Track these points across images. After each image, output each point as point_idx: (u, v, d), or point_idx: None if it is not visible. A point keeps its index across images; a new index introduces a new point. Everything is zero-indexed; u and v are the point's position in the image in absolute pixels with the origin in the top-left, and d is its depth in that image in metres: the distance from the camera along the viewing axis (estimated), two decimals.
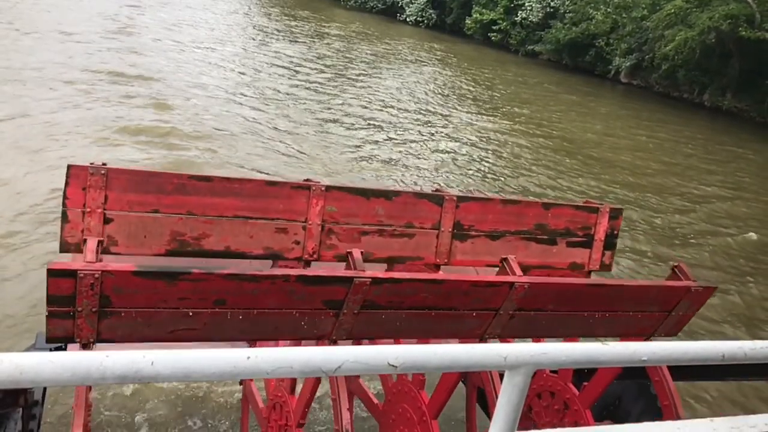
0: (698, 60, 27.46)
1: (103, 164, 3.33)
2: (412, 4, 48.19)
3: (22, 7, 24.71)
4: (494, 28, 40.29)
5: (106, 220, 3.32)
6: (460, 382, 3.99)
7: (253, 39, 29.07)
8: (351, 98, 19.48)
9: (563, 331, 3.87)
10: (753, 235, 12.27)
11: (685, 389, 6.09)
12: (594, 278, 4.33)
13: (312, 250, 3.75)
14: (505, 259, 3.71)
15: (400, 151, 14.61)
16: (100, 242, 3.21)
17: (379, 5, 51.17)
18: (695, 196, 14.76)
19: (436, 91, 23.12)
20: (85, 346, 2.88)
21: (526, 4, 38.56)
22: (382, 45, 33.56)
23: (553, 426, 4.31)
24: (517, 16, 38.92)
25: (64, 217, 3.28)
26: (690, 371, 3.84)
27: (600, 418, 4.34)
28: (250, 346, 3.63)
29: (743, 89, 27.12)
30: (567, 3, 36.41)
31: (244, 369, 1.36)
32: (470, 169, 14.13)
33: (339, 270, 3.36)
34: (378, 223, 3.90)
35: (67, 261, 3.20)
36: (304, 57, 25.16)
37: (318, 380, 3.39)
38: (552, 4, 37.41)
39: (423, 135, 16.54)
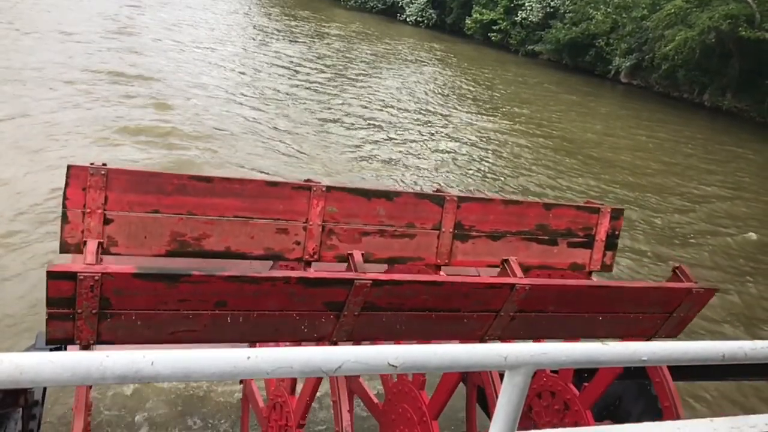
0: (698, 60, 27.46)
1: (103, 164, 3.32)
2: (412, 4, 48.18)
3: (22, 7, 24.71)
4: (494, 28, 40.28)
5: (106, 221, 3.32)
6: (461, 383, 3.99)
7: (253, 39, 29.07)
8: (351, 98, 19.48)
9: (564, 332, 3.86)
10: (753, 235, 12.27)
11: (685, 389, 6.08)
12: (595, 280, 4.33)
13: (312, 250, 3.75)
14: (506, 261, 3.70)
15: (400, 151, 14.61)
16: (100, 244, 3.21)
17: (379, 5, 51.16)
18: (695, 195, 14.76)
19: (436, 91, 23.12)
20: (85, 348, 2.88)
21: (526, 4, 38.55)
22: (382, 45, 33.55)
23: (553, 426, 4.31)
24: (517, 16, 38.92)
25: (64, 218, 3.28)
26: (690, 371, 3.84)
27: (600, 418, 4.34)
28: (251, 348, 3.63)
29: (743, 89, 27.12)
30: (567, 3, 36.40)
31: (244, 369, 1.36)
32: (470, 169, 14.13)
33: (340, 272, 3.36)
34: (379, 223, 3.90)
35: (67, 262, 3.20)
36: (304, 57, 25.16)
37: (318, 381, 3.39)
38: (552, 4, 37.41)
39: (423, 135, 16.54)
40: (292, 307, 3.16)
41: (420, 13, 47.72)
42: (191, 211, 3.46)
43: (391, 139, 15.64)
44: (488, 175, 14.01)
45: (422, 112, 19.34)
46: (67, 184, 3.27)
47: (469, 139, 16.73)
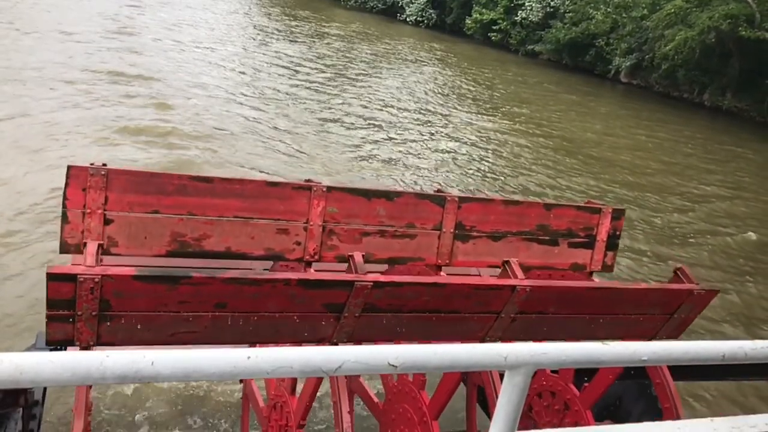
0: (698, 60, 27.46)
1: (103, 165, 3.32)
2: (412, 4, 48.18)
3: (22, 7, 24.70)
4: (494, 27, 40.27)
5: (107, 221, 3.31)
6: (461, 383, 3.98)
7: (253, 39, 29.07)
8: (351, 98, 19.48)
9: (564, 334, 3.86)
10: (752, 235, 12.27)
11: (685, 389, 6.08)
12: (596, 281, 4.32)
13: (313, 250, 3.74)
14: (507, 262, 3.70)
15: (400, 151, 14.61)
16: (100, 245, 3.21)
17: (379, 5, 51.16)
18: (695, 195, 14.76)
19: (436, 91, 23.12)
20: (85, 350, 2.88)
21: (526, 3, 38.54)
22: (382, 45, 33.55)
23: (554, 426, 4.31)
24: (517, 16, 38.91)
25: (64, 218, 3.28)
26: (690, 371, 3.83)
27: (600, 418, 4.34)
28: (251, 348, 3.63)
29: (743, 89, 27.11)
30: (567, 3, 36.39)
31: (245, 369, 1.36)
32: (470, 169, 14.13)
33: (340, 274, 3.36)
34: (379, 223, 3.89)
35: (68, 264, 3.20)
36: (304, 57, 25.15)
37: (319, 382, 3.39)
38: (552, 3, 37.40)
39: (423, 134, 16.54)
40: (292, 309, 3.15)
41: (420, 13, 47.72)
42: (191, 211, 3.46)
43: (391, 138, 15.64)
44: (488, 174, 14.01)
45: (422, 111, 19.34)
46: (67, 185, 3.27)
47: (469, 139, 16.73)
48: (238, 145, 12.92)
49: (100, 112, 13.36)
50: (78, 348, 2.90)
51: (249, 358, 1.35)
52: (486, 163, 14.83)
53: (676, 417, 3.77)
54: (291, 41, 29.13)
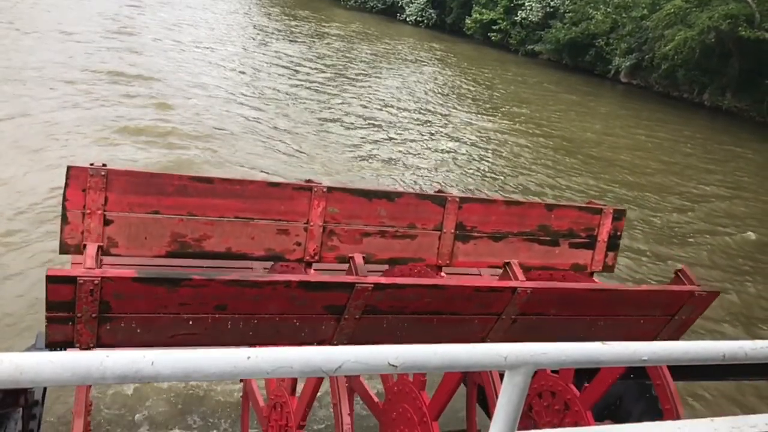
0: (698, 60, 27.45)
1: (103, 165, 3.31)
2: (412, 3, 48.17)
3: (22, 7, 24.70)
4: (494, 27, 40.27)
5: (106, 222, 3.31)
6: (461, 384, 3.98)
7: (253, 39, 29.06)
8: (351, 98, 19.48)
9: (565, 335, 3.86)
10: (752, 235, 12.27)
11: (685, 389, 6.08)
12: (597, 283, 4.32)
13: (313, 251, 3.74)
14: (508, 264, 3.70)
15: (399, 151, 14.61)
16: (99, 247, 3.21)
17: (379, 5, 51.15)
18: (694, 195, 14.76)
19: (435, 91, 23.12)
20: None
21: (526, 3, 38.54)
22: (382, 45, 33.55)
23: (554, 426, 4.30)
24: (517, 16, 38.90)
25: (64, 219, 3.27)
26: (690, 371, 3.83)
27: (601, 418, 4.33)
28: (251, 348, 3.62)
29: (743, 89, 27.11)
30: (567, 3, 36.38)
31: (244, 369, 1.36)
32: (470, 169, 14.13)
33: (340, 276, 3.36)
34: (380, 224, 3.89)
35: (67, 266, 3.20)
36: (304, 57, 25.15)
37: (319, 383, 3.38)
38: (552, 3, 37.39)
39: (423, 134, 16.54)
40: (292, 311, 3.15)
41: (420, 13, 47.71)
42: (192, 212, 3.45)
43: (390, 138, 15.64)
44: (488, 174, 14.01)
45: (422, 111, 19.34)
46: (66, 185, 3.26)
47: (469, 139, 16.73)
48: (238, 145, 12.92)
49: (100, 112, 13.36)
50: (78, 349, 2.90)
51: (249, 358, 1.35)
52: (486, 163, 14.83)
53: (677, 417, 3.77)
54: (291, 41, 29.13)
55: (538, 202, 5.10)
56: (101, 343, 2.91)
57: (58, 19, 23.44)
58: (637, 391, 4.40)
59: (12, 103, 12.79)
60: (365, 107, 18.57)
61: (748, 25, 25.15)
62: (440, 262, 4.05)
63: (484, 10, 41.22)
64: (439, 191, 4.25)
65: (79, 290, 2.73)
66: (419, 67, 28.34)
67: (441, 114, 19.38)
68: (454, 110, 20.23)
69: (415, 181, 12.62)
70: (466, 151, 15.50)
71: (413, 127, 17.11)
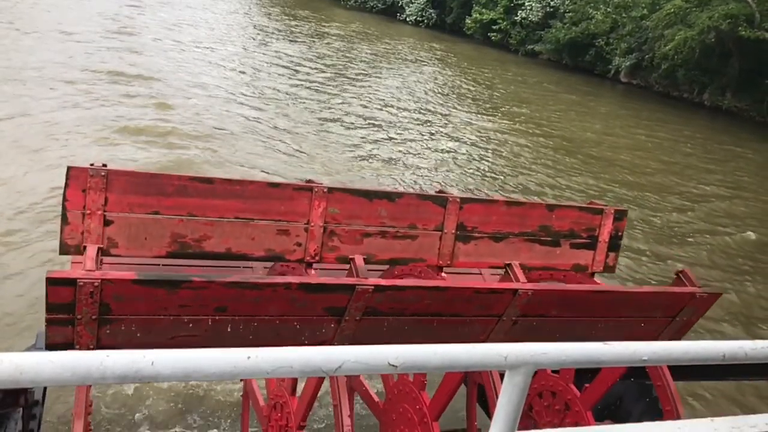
0: (698, 59, 27.45)
1: (104, 165, 3.31)
2: (412, 3, 48.17)
3: (22, 7, 24.70)
4: (494, 27, 40.27)
5: (107, 222, 3.31)
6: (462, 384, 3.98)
7: (253, 39, 29.06)
8: (351, 97, 19.48)
9: (566, 337, 3.86)
10: (751, 235, 12.27)
11: (685, 389, 6.08)
12: (597, 285, 4.31)
13: (314, 251, 3.73)
14: (509, 265, 3.70)
15: (399, 151, 14.61)
16: (99, 249, 3.20)
17: (379, 5, 51.15)
18: (694, 195, 14.76)
19: (435, 91, 23.12)
20: None
21: (526, 3, 38.54)
22: (382, 45, 33.55)
23: (554, 426, 4.30)
24: (517, 16, 38.91)
25: (64, 219, 3.27)
26: (690, 371, 3.83)
27: (601, 418, 4.33)
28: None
29: (743, 89, 27.11)
30: (567, 2, 36.38)
31: (245, 369, 1.36)
32: (470, 168, 14.13)
33: (341, 277, 3.35)
34: (380, 224, 3.88)
35: (67, 266, 3.20)
36: (304, 56, 25.15)
37: (319, 384, 3.38)
38: (552, 3, 37.39)
39: (423, 134, 16.54)
40: (293, 313, 3.14)
41: (420, 13, 47.71)
42: (192, 212, 3.45)
43: (390, 138, 15.64)
44: (488, 174, 14.01)
45: (422, 111, 19.34)
46: (66, 186, 3.26)
47: (469, 139, 16.73)
48: (238, 144, 12.92)
49: (100, 111, 13.36)
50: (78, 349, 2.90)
51: (249, 358, 1.35)
52: (486, 163, 14.82)
53: (677, 418, 3.77)
54: (291, 41, 29.13)
55: (539, 202, 5.10)
56: (101, 345, 2.91)
57: (58, 19, 23.44)
58: (638, 391, 4.40)
59: (12, 103, 12.79)
60: (365, 107, 18.57)
61: (748, 24, 25.15)
62: (441, 262, 4.05)
63: (484, 10, 41.22)
64: (440, 191, 4.24)
65: (79, 292, 2.73)
66: (419, 67, 28.33)
67: (441, 114, 19.38)
68: (454, 110, 20.23)
69: (415, 181, 12.62)
70: (466, 150, 15.51)
71: (413, 127, 17.11)
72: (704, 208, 13.77)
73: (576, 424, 4.13)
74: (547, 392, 4.46)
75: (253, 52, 25.10)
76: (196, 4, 37.35)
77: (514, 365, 1.61)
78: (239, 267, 3.96)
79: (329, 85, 20.68)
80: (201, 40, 25.37)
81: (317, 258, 3.75)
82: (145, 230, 3.38)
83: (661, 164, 17.26)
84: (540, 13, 37.82)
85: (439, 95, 22.42)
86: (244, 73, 20.77)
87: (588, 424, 4.09)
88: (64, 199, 3.26)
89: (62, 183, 3.28)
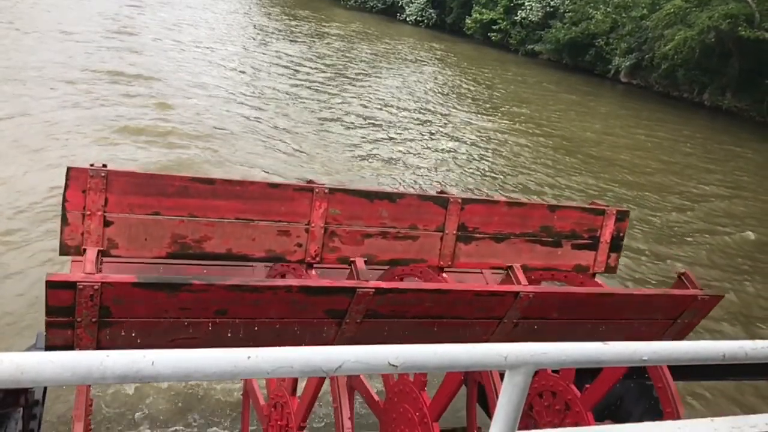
0: (698, 59, 27.46)
1: (104, 166, 3.30)
2: (412, 3, 48.17)
3: (22, 7, 24.70)
4: (494, 27, 40.28)
5: (107, 223, 3.30)
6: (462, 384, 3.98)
7: (253, 38, 29.06)
8: (351, 97, 19.47)
9: (567, 339, 3.85)
10: (751, 234, 12.27)
11: (685, 389, 6.08)
12: (599, 287, 4.31)
13: (315, 252, 3.72)
14: (510, 268, 3.69)
15: (399, 150, 14.60)
16: (99, 251, 3.20)
17: (379, 5, 51.15)
18: (694, 195, 14.76)
19: (435, 91, 23.11)
20: None
21: (526, 3, 38.54)
22: (382, 44, 33.54)
23: (554, 426, 4.30)
24: (517, 16, 38.91)
25: (64, 220, 3.26)
26: (690, 371, 3.83)
27: (601, 418, 4.33)
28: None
29: (743, 89, 27.11)
30: (567, 2, 36.38)
31: (245, 369, 1.36)
32: (470, 168, 14.13)
33: (342, 280, 3.34)
34: (381, 225, 3.87)
35: (67, 267, 3.19)
36: (304, 56, 25.14)
37: (320, 384, 3.38)
38: (552, 3, 37.39)
39: (423, 134, 16.54)
40: (293, 315, 3.14)
41: (420, 13, 47.71)
42: (192, 213, 3.44)
43: (390, 138, 15.63)
44: (488, 174, 14.01)
45: (422, 111, 19.34)
46: (66, 186, 3.25)
47: (469, 139, 16.73)
48: (238, 144, 12.91)
49: (100, 111, 13.35)
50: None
51: (249, 358, 1.35)
52: (486, 163, 14.82)
53: (677, 418, 3.77)
54: (291, 41, 29.13)
55: (541, 203, 5.10)
56: (101, 348, 2.91)
57: (58, 19, 23.44)
58: (638, 391, 4.40)
59: (12, 103, 12.78)
60: (365, 107, 18.57)
61: (748, 24, 25.15)
62: (442, 263, 4.04)
63: (484, 10, 41.22)
64: (441, 192, 4.24)
65: (78, 295, 2.72)
66: (419, 66, 28.33)
67: (441, 114, 19.38)
68: (454, 110, 20.23)
69: (415, 181, 12.61)
70: (466, 150, 15.50)
71: (413, 127, 17.11)
72: (704, 208, 13.77)
73: (576, 424, 4.13)
74: (547, 392, 4.46)
75: (253, 51, 25.10)
76: (196, 4, 37.35)
77: (514, 365, 1.61)
78: (240, 266, 3.96)
79: (329, 85, 20.68)
80: (201, 40, 25.36)
81: (318, 259, 3.75)
82: (145, 231, 3.38)
83: (660, 164, 17.26)
84: (540, 13, 37.82)
85: (439, 95, 22.42)
86: (244, 72, 20.76)
87: (588, 424, 4.08)
88: (64, 200, 3.25)
89: (62, 183, 3.27)
